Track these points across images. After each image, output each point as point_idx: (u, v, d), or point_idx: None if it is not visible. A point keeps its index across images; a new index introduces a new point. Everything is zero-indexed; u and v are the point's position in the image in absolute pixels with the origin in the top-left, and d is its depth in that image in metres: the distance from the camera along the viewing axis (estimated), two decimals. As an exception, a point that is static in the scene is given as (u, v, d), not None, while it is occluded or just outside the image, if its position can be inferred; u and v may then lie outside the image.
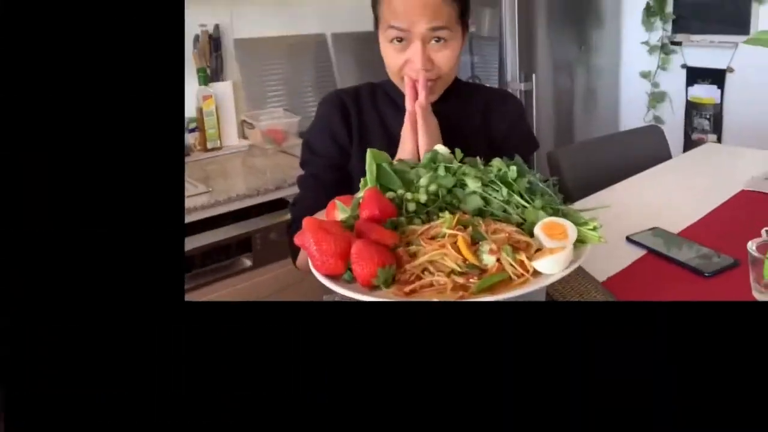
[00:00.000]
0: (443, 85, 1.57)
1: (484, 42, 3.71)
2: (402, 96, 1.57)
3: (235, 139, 3.16)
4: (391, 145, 1.51)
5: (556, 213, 1.20)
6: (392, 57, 1.52)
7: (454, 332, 0.92)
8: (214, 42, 3.16)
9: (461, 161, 1.30)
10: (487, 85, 1.95)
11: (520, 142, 1.66)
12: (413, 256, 1.05)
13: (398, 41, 1.49)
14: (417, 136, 1.46)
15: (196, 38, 3.12)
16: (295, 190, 1.70)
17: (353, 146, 1.63)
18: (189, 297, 2.39)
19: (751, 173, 2.18)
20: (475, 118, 1.68)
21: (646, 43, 4.34)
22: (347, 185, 1.59)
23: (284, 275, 2.59)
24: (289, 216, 1.71)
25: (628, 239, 1.65)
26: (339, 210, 1.17)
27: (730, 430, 0.89)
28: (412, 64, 1.49)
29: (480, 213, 1.20)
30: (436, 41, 1.49)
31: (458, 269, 1.02)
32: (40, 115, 0.92)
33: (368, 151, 1.24)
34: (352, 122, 1.64)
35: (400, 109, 1.56)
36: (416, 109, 1.46)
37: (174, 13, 0.94)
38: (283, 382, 0.90)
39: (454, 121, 1.61)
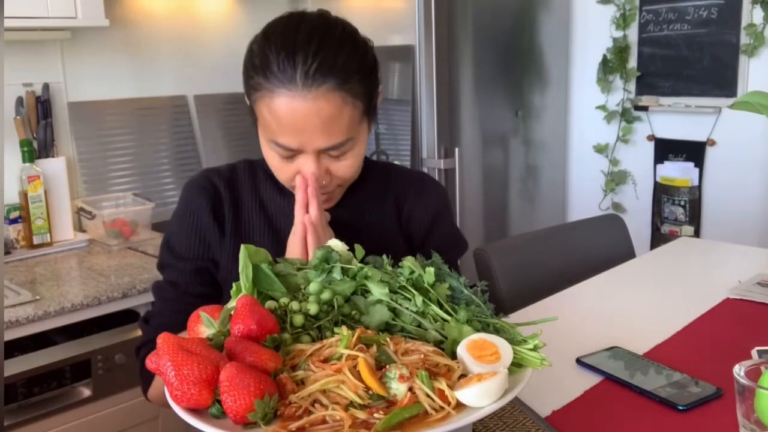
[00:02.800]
0: (343, 190, 1.65)
1: (394, 107, 3.80)
2: None
3: (69, 233, 3.18)
4: (276, 240, 1.59)
5: (485, 328, 1.26)
6: (278, 166, 1.58)
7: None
8: (42, 106, 3.20)
9: (363, 261, 1.34)
10: (398, 164, 1.99)
11: (444, 243, 1.73)
12: (301, 383, 1.08)
13: (284, 154, 1.54)
14: (306, 250, 1.51)
15: (20, 101, 3.15)
16: (148, 298, 1.72)
17: (226, 244, 1.66)
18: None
19: (738, 276, 2.31)
20: (386, 209, 1.76)
21: (603, 107, 4.49)
22: (219, 297, 1.63)
23: (132, 409, 2.60)
24: (139, 333, 1.72)
25: (580, 362, 1.72)
26: (204, 324, 1.19)
27: None
28: (303, 175, 1.54)
29: (387, 328, 1.25)
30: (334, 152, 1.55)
31: (359, 401, 1.04)
32: None
33: (242, 247, 1.27)
34: (225, 213, 1.68)
35: (287, 195, 1.63)
36: (306, 224, 1.51)
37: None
38: None
39: (358, 214, 1.69)
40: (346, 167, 1.57)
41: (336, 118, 1.48)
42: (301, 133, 1.48)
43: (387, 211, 1.76)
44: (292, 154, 1.52)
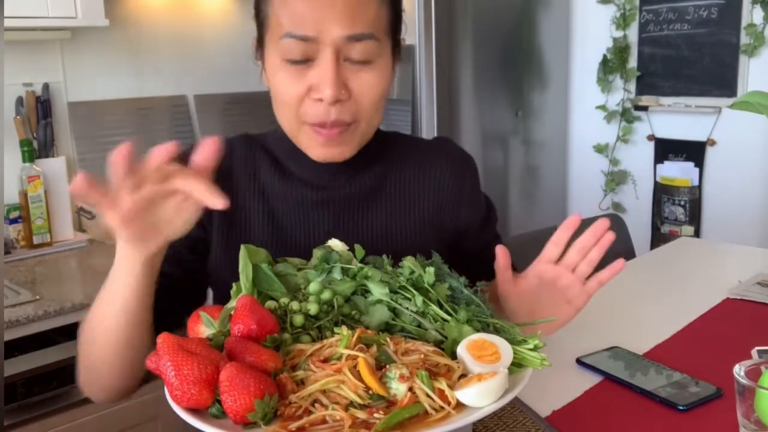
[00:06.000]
0: (361, 135, 1.47)
1: (393, 106, 3.80)
2: (293, 156, 1.51)
3: (69, 233, 3.18)
4: (276, 234, 1.50)
5: (485, 328, 1.26)
6: (287, 84, 1.39)
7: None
8: (42, 106, 3.20)
9: (363, 260, 1.34)
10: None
11: (486, 216, 1.73)
12: (301, 383, 1.08)
13: (297, 62, 1.37)
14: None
15: (20, 101, 3.16)
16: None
17: (214, 228, 1.52)
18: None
19: (738, 276, 2.31)
20: (415, 186, 1.64)
21: (603, 107, 4.50)
22: (203, 283, 1.56)
23: (132, 409, 2.60)
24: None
25: (580, 362, 1.73)
26: (204, 324, 1.19)
27: None
28: (317, 92, 1.37)
29: (387, 328, 1.25)
30: (356, 59, 1.38)
31: (359, 401, 1.04)
32: None
33: (242, 247, 1.27)
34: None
35: (288, 180, 1.52)
36: None
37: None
38: None
39: (388, 192, 1.60)
40: (368, 84, 1.40)
41: (359, 5, 1.36)
42: (320, 16, 1.33)
43: (414, 189, 1.63)
44: (306, 52, 1.35)
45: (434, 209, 1.64)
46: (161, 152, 1.10)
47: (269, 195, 1.54)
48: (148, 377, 1.39)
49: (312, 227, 1.48)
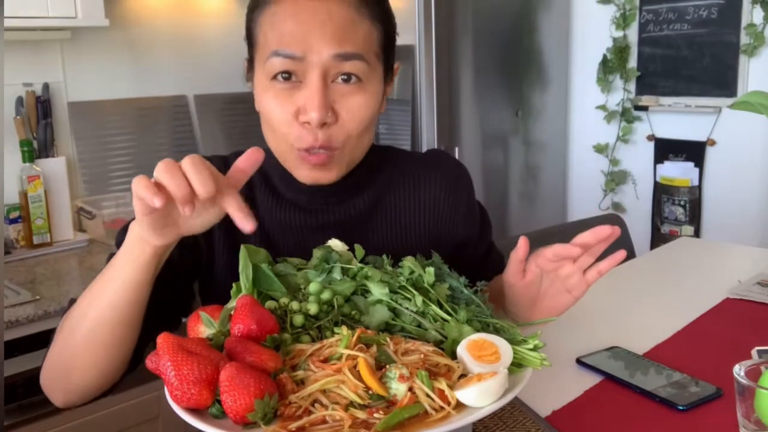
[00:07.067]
0: (349, 157, 1.46)
1: (393, 106, 3.80)
2: (286, 179, 1.51)
3: (69, 233, 3.18)
4: (268, 246, 1.42)
5: (485, 328, 1.26)
6: (275, 105, 1.38)
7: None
8: (42, 106, 3.20)
9: (363, 261, 1.34)
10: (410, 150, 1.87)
11: (482, 225, 1.72)
12: (301, 383, 1.08)
13: (285, 77, 1.36)
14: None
15: (20, 101, 3.16)
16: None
17: (216, 253, 1.51)
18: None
19: (738, 276, 2.31)
20: (410, 206, 1.63)
21: (603, 107, 4.50)
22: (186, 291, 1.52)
23: (132, 409, 2.60)
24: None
25: (580, 362, 1.72)
26: (204, 324, 1.19)
27: None
28: (304, 114, 1.35)
29: (387, 328, 1.25)
30: (345, 80, 1.37)
31: (359, 401, 1.04)
32: None
33: (242, 247, 1.27)
34: None
35: (285, 208, 1.51)
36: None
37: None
38: None
39: (383, 214, 1.59)
40: (358, 107, 1.38)
41: (348, 26, 1.35)
42: (308, 35, 1.32)
43: (413, 205, 1.62)
44: (291, 70, 1.34)
45: (431, 227, 1.64)
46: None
47: (264, 218, 1.53)
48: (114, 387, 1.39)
49: (308, 252, 1.39)
